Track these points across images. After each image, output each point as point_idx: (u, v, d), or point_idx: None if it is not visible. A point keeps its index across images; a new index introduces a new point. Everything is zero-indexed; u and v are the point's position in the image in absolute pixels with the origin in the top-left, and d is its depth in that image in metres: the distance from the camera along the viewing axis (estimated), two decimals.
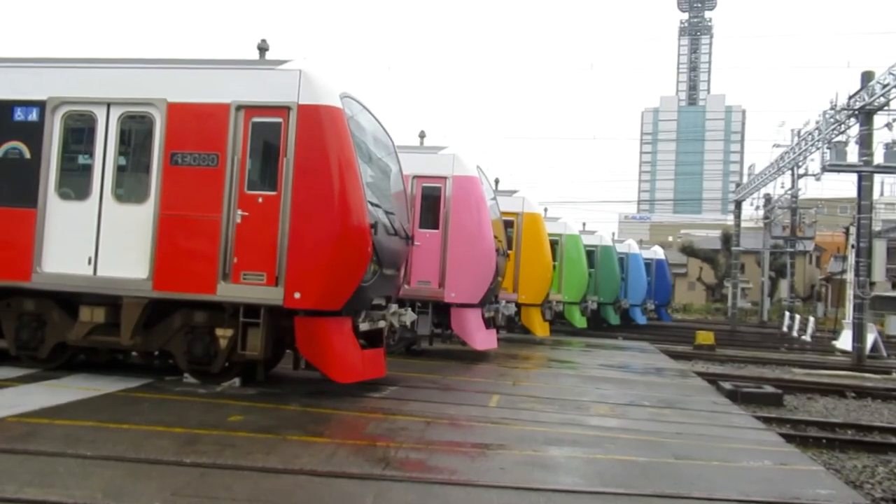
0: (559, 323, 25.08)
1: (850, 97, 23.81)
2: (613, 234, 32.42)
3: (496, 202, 15.94)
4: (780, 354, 24.49)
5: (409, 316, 10.89)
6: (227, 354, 9.21)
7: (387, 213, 9.84)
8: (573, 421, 8.78)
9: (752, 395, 13.14)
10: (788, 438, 9.40)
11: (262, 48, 9.59)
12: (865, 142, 22.74)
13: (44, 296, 9.65)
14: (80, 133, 9.81)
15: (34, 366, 9.86)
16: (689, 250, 62.27)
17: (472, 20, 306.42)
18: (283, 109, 8.97)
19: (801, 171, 33.03)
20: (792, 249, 43.06)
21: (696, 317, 53.62)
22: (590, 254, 26.20)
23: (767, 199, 40.42)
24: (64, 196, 9.64)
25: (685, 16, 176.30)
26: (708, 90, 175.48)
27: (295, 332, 8.96)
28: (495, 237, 14.41)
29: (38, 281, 9.44)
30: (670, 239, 78.28)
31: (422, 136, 14.53)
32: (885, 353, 24.53)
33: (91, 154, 9.62)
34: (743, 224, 42.34)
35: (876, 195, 31.22)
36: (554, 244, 21.50)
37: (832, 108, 25.62)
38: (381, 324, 10.04)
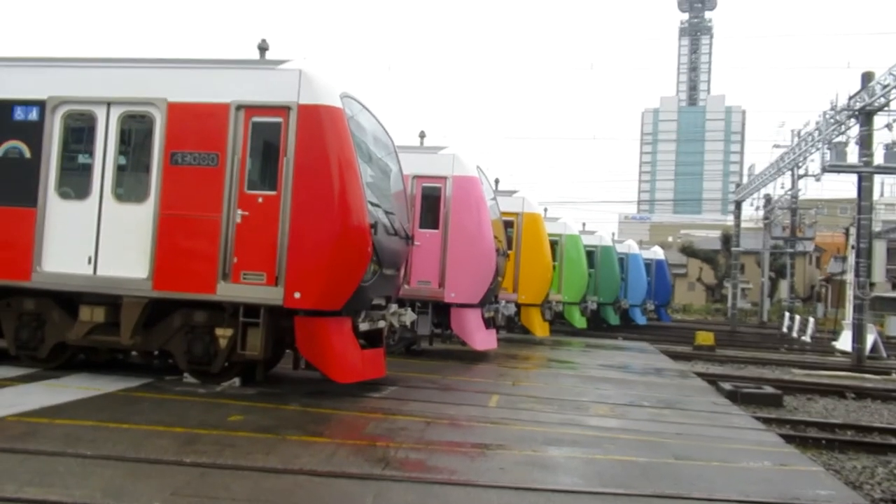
0: (559, 323, 25.08)
1: (851, 98, 23.81)
2: (613, 234, 32.41)
3: (496, 202, 15.94)
4: (780, 355, 24.49)
5: (408, 316, 10.89)
6: (227, 354, 9.21)
7: (387, 213, 9.84)
8: (573, 421, 8.78)
9: (752, 395, 13.14)
10: (788, 439, 9.39)
11: (263, 48, 9.59)
12: (865, 142, 22.74)
13: (44, 295, 9.66)
14: (80, 132, 9.81)
15: (34, 365, 9.86)
16: (688, 251, 62.29)
17: (472, 20, 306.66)
18: (283, 109, 8.97)
19: (801, 171, 33.07)
20: (792, 250, 43.07)
21: (696, 317, 53.63)
22: (590, 254, 26.20)
23: (767, 199, 40.44)
24: (64, 195, 9.64)
25: (685, 16, 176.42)
26: (708, 90, 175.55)
27: (295, 331, 8.96)
28: (495, 237, 14.41)
29: (37, 280, 9.44)
30: (670, 239, 78.30)
31: (422, 136, 14.53)
32: (884, 354, 24.53)
33: (91, 153, 9.63)
34: (743, 224, 42.37)
35: (876, 196, 31.22)
36: (554, 244, 21.50)
37: (832, 109, 25.63)
38: (381, 324, 10.04)
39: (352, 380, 9.16)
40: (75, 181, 9.68)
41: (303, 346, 9.00)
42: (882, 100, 22.12)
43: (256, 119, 9.12)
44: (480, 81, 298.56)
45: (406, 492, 5.50)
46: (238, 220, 8.99)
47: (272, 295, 8.77)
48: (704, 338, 24.37)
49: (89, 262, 9.35)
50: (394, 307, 10.49)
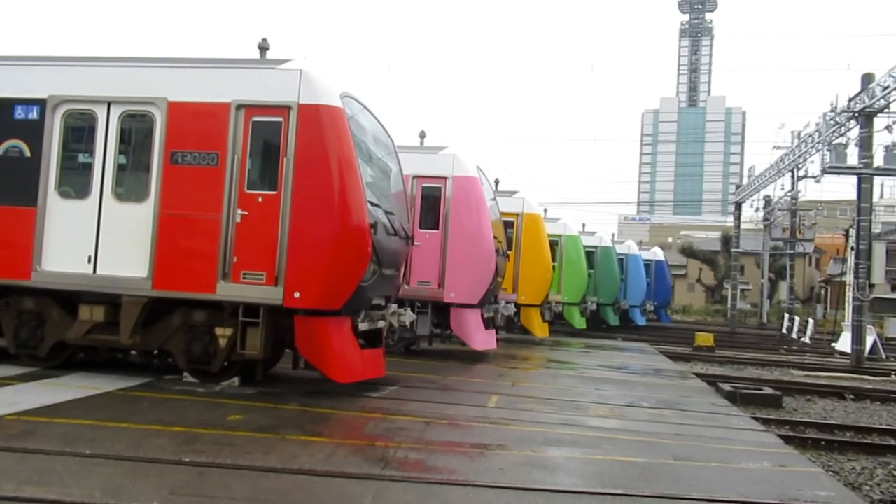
0: (558, 324, 25.09)
1: (850, 99, 23.82)
2: (613, 235, 32.42)
3: (496, 203, 15.94)
4: (780, 356, 24.50)
5: (408, 316, 10.90)
6: (227, 354, 9.21)
7: (387, 213, 9.84)
8: (572, 421, 8.78)
9: (752, 396, 13.15)
10: (787, 440, 9.41)
11: (263, 47, 9.59)
12: (865, 144, 22.76)
13: (43, 294, 9.65)
14: (80, 131, 9.81)
15: (33, 364, 9.86)
16: (688, 252, 62.29)
17: (472, 20, 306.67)
18: (283, 109, 8.98)
19: (801, 172, 33.06)
20: (791, 251, 43.09)
21: (696, 318, 53.64)
22: (589, 255, 26.20)
23: (767, 200, 40.43)
24: (64, 195, 9.64)
25: (686, 17, 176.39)
26: (708, 92, 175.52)
27: (294, 331, 8.96)
28: (495, 238, 14.41)
29: (37, 279, 9.44)
30: (670, 240, 78.27)
31: (422, 136, 14.53)
32: (884, 356, 24.56)
33: (91, 153, 9.63)
34: (743, 226, 42.33)
35: (876, 197, 31.30)
36: (554, 245, 21.50)
37: (832, 111, 25.63)
38: (381, 324, 10.04)
39: (351, 379, 9.16)
40: (75, 180, 9.68)
41: (302, 346, 9.00)
42: (882, 101, 22.13)
43: (257, 118, 9.12)
44: (480, 82, 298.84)
45: (405, 492, 5.50)
46: (238, 219, 8.99)
47: (272, 294, 8.77)
48: (704, 339, 24.39)
49: (89, 261, 9.35)
50: (393, 307, 10.49)
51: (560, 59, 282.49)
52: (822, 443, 10.17)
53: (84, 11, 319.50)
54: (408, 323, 11.14)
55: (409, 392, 10.09)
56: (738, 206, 41.68)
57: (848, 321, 24.47)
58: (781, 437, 9.45)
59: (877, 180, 30.17)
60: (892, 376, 19.67)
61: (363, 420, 8.12)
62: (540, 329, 20.22)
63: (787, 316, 37.81)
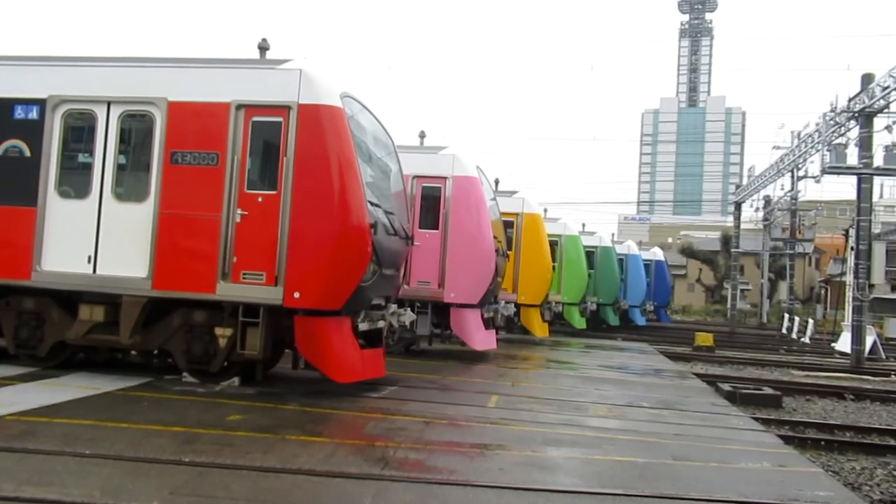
0: (558, 324, 25.09)
1: (850, 99, 23.82)
2: (613, 235, 32.41)
3: (496, 203, 15.94)
4: (779, 356, 24.51)
5: (408, 316, 10.90)
6: (226, 354, 9.21)
7: (386, 212, 9.84)
8: (572, 422, 8.78)
9: (751, 396, 13.15)
10: (787, 440, 9.42)
11: (263, 47, 9.59)
12: (865, 144, 22.76)
13: (43, 294, 9.65)
14: (80, 131, 9.81)
15: (33, 364, 9.86)
16: (688, 252, 62.28)
17: (472, 20, 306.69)
18: (283, 109, 8.98)
19: (801, 173, 33.07)
20: (791, 251, 43.08)
21: (696, 318, 53.64)
22: (589, 255, 26.20)
23: (767, 200, 40.44)
24: (64, 194, 9.64)
25: (686, 17, 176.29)
26: (708, 92, 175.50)
27: (294, 331, 8.96)
28: (495, 238, 14.41)
29: (37, 279, 9.44)
30: (670, 240, 78.25)
31: (422, 136, 14.53)
32: (883, 356, 24.56)
33: (91, 152, 9.63)
34: (742, 226, 42.33)
35: (875, 197, 31.31)
36: (553, 245, 21.50)
37: (832, 111, 25.63)
38: (381, 324, 10.04)
39: (351, 379, 9.16)
40: (75, 180, 9.68)
41: (302, 346, 9.00)
42: (882, 102, 22.13)
43: (256, 118, 9.12)
44: (481, 82, 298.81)
45: (405, 492, 5.50)
46: (238, 219, 8.99)
47: (272, 294, 8.77)
48: (704, 339, 24.39)
49: (89, 261, 9.35)
50: (393, 307, 10.49)
51: (560, 59, 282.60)
52: (822, 443, 10.17)
53: (84, 11, 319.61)
54: (408, 323, 11.15)
55: (409, 392, 10.09)
56: (738, 206, 41.69)
57: (848, 321, 24.48)
58: (781, 437, 9.46)
59: (876, 180, 30.17)
60: (892, 376, 19.67)
61: (363, 420, 8.12)
62: (540, 329, 20.22)
63: (786, 316, 37.82)
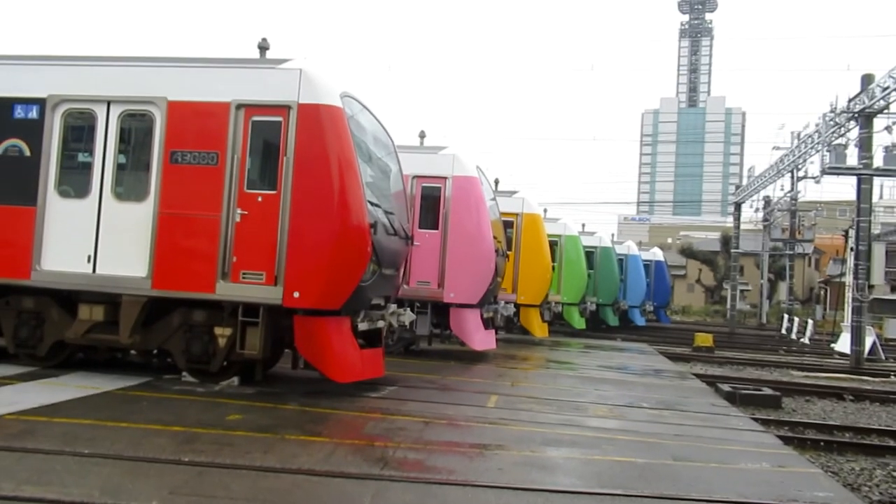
0: (558, 324, 25.09)
1: (850, 100, 23.82)
2: (613, 235, 32.42)
3: (496, 203, 15.94)
4: (779, 357, 24.52)
5: (408, 316, 10.90)
6: (226, 353, 9.21)
7: (386, 212, 9.84)
8: (571, 422, 8.78)
9: (751, 397, 13.15)
10: (786, 440, 9.42)
11: (263, 47, 9.59)
12: (865, 145, 22.76)
13: (43, 294, 9.65)
14: (80, 131, 9.81)
15: (33, 364, 9.85)
16: (688, 252, 62.30)
17: (473, 20, 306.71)
18: (283, 108, 8.98)
19: (801, 173, 33.07)
20: (791, 252, 43.08)
21: (695, 319, 53.66)
22: (589, 255, 26.20)
23: (767, 201, 40.44)
24: (64, 194, 9.64)
25: (686, 18, 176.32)
26: (708, 92, 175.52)
27: (294, 331, 8.95)
28: (495, 238, 14.42)
29: (37, 279, 9.43)
30: (669, 241, 78.30)
31: (422, 136, 14.53)
32: (883, 357, 24.57)
33: (91, 152, 9.63)
34: (742, 226, 42.32)
35: (875, 198, 31.27)
36: (553, 245, 21.50)
37: (832, 111, 25.62)
38: (380, 324, 10.04)
39: (350, 379, 9.16)
40: (75, 180, 9.68)
41: (302, 346, 9.00)
42: (882, 102, 22.13)
43: (256, 118, 9.12)
44: (481, 82, 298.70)
45: (404, 492, 5.50)
46: (237, 219, 8.99)
47: (271, 294, 8.77)
48: (703, 339, 24.40)
49: (89, 260, 9.35)
50: (393, 307, 10.49)
51: (560, 59, 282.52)
52: (822, 443, 10.17)
53: (84, 11, 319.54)
54: (407, 323, 11.14)
55: (409, 392, 10.09)
56: (738, 206, 41.69)
57: (847, 322, 24.48)
58: (780, 437, 9.46)
59: (876, 181, 30.15)
60: (892, 377, 19.68)
61: (362, 420, 8.12)
62: (539, 329, 20.22)
63: (786, 317, 37.82)
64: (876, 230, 35.68)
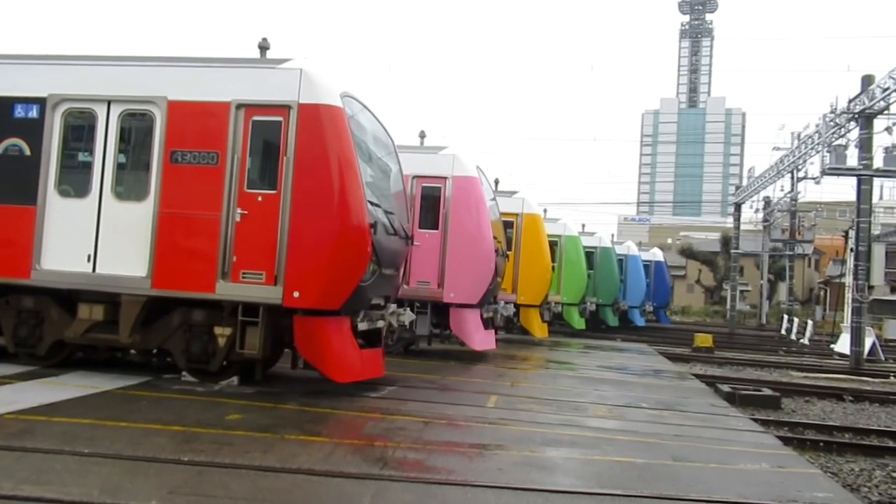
0: (558, 324, 25.08)
1: (850, 101, 23.81)
2: (613, 235, 32.41)
3: (496, 203, 15.94)
4: (779, 357, 24.51)
5: (407, 316, 10.90)
6: (226, 353, 9.21)
7: (386, 212, 9.84)
8: (571, 422, 8.78)
9: (750, 397, 13.15)
10: (786, 441, 9.42)
11: (263, 47, 9.58)
12: (865, 145, 22.76)
13: (42, 293, 9.65)
14: (80, 130, 9.81)
15: (32, 363, 9.85)
16: (688, 252, 62.31)
17: (473, 20, 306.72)
18: (283, 108, 8.98)
19: (801, 174, 33.04)
20: (791, 252, 43.10)
21: (695, 319, 53.66)
22: (589, 255, 26.20)
23: (767, 201, 40.43)
24: (64, 193, 9.63)
25: (686, 18, 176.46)
26: (708, 92, 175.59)
27: (294, 331, 8.95)
28: (495, 238, 14.42)
29: (37, 278, 9.43)
30: (669, 241, 78.33)
31: (422, 136, 14.53)
32: (882, 357, 24.57)
33: (91, 151, 9.62)
34: (742, 227, 42.33)
35: (875, 199, 31.29)
36: (553, 245, 21.50)
37: (832, 112, 25.62)
38: (380, 323, 10.04)
39: (350, 379, 9.16)
40: (75, 179, 9.68)
41: (301, 346, 9.00)
42: (882, 103, 22.13)
43: (257, 118, 9.12)
44: (481, 82, 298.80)
45: (404, 491, 5.49)
46: (237, 218, 8.99)
47: (271, 294, 8.77)
48: (703, 340, 24.40)
49: (88, 260, 9.35)
50: (393, 307, 10.49)
51: (560, 59, 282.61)
52: (821, 444, 10.17)
53: (84, 11, 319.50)
54: (407, 323, 11.14)
55: (408, 392, 10.09)
56: (738, 207, 41.70)
57: (847, 323, 24.47)
58: (780, 438, 9.46)
59: (876, 182, 30.21)
60: (891, 378, 19.68)
61: (362, 420, 8.12)
62: (539, 329, 20.22)
63: (786, 317, 37.82)
64: (876, 231, 35.67)
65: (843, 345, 24.73)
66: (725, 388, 13.60)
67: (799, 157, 31.15)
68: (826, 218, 46.65)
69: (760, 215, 42.17)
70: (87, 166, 9.60)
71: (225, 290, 8.91)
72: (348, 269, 8.85)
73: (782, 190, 36.87)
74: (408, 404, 9.12)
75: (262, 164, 9.27)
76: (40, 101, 9.64)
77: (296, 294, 8.68)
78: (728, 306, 41.21)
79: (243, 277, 8.91)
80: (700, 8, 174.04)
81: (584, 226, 27.68)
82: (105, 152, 9.53)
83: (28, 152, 9.64)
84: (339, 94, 9.13)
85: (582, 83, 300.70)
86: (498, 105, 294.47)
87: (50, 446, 5.95)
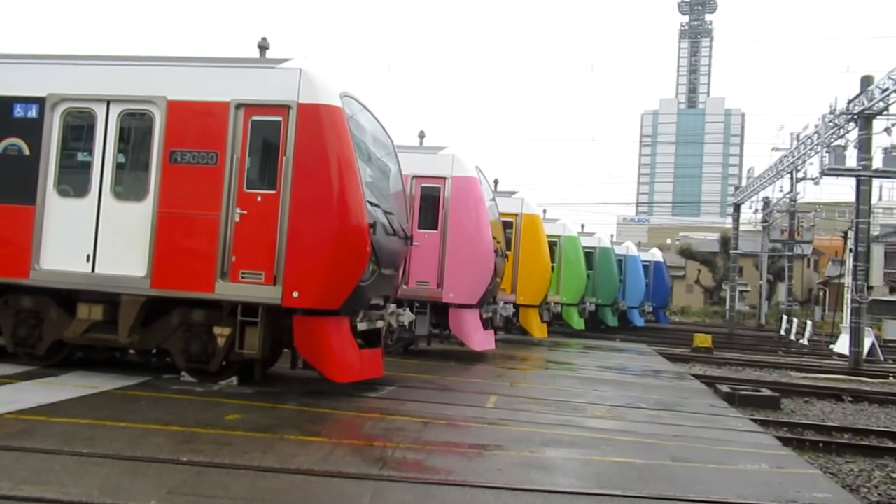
0: (557, 324, 25.09)
1: (850, 101, 23.83)
2: (612, 235, 32.41)
3: (495, 203, 15.94)
4: (778, 358, 24.52)
5: (407, 316, 10.89)
6: (225, 353, 9.20)
7: (386, 212, 9.84)
8: (570, 422, 8.78)
9: (750, 398, 13.14)
10: (785, 441, 9.42)
11: (263, 47, 9.58)
12: (864, 146, 22.77)
13: (42, 293, 9.64)
14: (79, 130, 9.80)
15: (32, 363, 9.84)
16: (687, 253, 62.35)
17: (473, 21, 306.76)
18: (282, 108, 8.97)
19: (800, 174, 33.13)
20: (790, 253, 43.12)
21: (694, 319, 53.68)
22: (588, 255, 26.21)
23: (766, 202, 40.48)
24: (63, 193, 9.63)
25: (685, 19, 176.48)
26: (707, 93, 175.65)
27: (293, 331, 8.95)
28: (494, 238, 14.42)
29: (36, 278, 9.43)
30: (669, 241, 78.39)
31: (421, 136, 14.53)
32: (882, 358, 24.58)
33: (90, 151, 9.62)
34: (741, 227, 42.31)
35: (874, 199, 31.33)
36: (553, 245, 21.50)
37: (831, 113, 25.62)
38: (380, 324, 10.03)
39: (349, 379, 9.15)
40: (74, 179, 9.67)
41: (301, 346, 8.99)
42: (881, 104, 22.14)
43: (256, 118, 9.12)
44: (480, 82, 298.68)
45: (403, 492, 5.49)
46: (237, 218, 8.99)
47: (270, 294, 8.76)
48: (702, 340, 24.40)
49: (88, 259, 9.34)
50: (392, 307, 10.48)
51: (560, 59, 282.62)
52: (820, 444, 10.17)
53: (84, 11, 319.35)
54: (406, 323, 11.14)
55: (408, 392, 10.09)
56: (737, 207, 41.69)
57: (846, 323, 24.48)
58: (779, 438, 9.46)
59: (875, 182, 30.18)
60: (890, 378, 19.68)
61: (361, 420, 8.12)
62: (538, 330, 20.22)
63: (785, 318, 37.84)
64: (875, 231, 35.74)
65: (842, 345, 24.74)
66: (725, 388, 13.60)
67: (798, 158, 31.17)
68: (825, 218, 46.72)
69: (760, 216, 42.20)
70: (87, 166, 9.59)
71: (224, 290, 8.91)
72: (348, 269, 8.85)
73: (781, 190, 36.98)
74: (407, 404, 9.12)
75: (262, 164, 9.27)
76: (39, 101, 9.63)
77: (295, 294, 8.68)
78: (727, 307, 41.21)
79: (242, 277, 8.90)
80: (699, 8, 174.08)
81: (583, 226, 27.70)
82: (104, 152, 9.52)
83: (27, 152, 9.64)
84: (339, 94, 9.13)
85: (581, 83, 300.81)
86: (498, 105, 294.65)
87: (49, 446, 5.94)
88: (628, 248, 32.76)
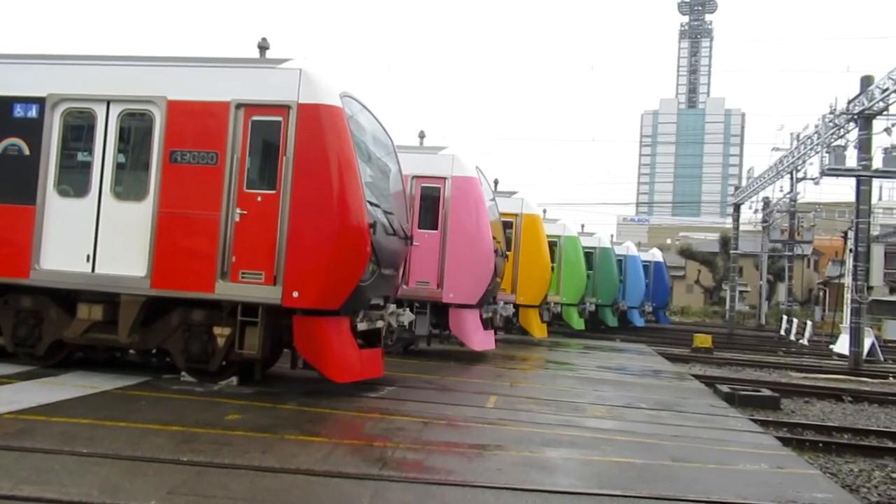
0: (557, 324, 25.09)
1: (850, 101, 23.83)
2: (612, 236, 32.41)
3: (495, 203, 15.94)
4: (778, 358, 24.51)
5: (407, 316, 10.89)
6: (225, 353, 9.20)
7: (386, 212, 9.84)
8: (570, 422, 8.78)
9: (750, 398, 13.14)
10: (785, 442, 9.42)
11: (263, 47, 9.58)
12: (864, 146, 22.77)
13: (42, 293, 9.64)
14: (79, 130, 9.80)
15: (31, 363, 9.84)
16: (687, 253, 62.35)
17: (472, 20, 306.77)
18: (282, 108, 8.97)
19: (800, 174, 33.11)
20: (790, 253, 43.10)
21: (694, 319, 53.67)
22: (588, 255, 26.20)
23: (766, 202, 40.47)
24: (63, 193, 9.63)
25: (685, 19, 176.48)
26: (708, 93, 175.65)
27: (293, 331, 8.95)
28: (494, 238, 14.42)
29: (36, 278, 9.43)
30: (669, 241, 78.39)
31: (421, 136, 14.53)
32: (882, 358, 24.57)
33: (90, 151, 9.62)
34: (741, 227, 42.31)
35: (874, 199, 31.34)
36: (552, 246, 21.50)
37: (831, 113, 25.62)
38: (380, 324, 10.03)
39: (349, 379, 9.15)
40: (74, 179, 9.67)
41: (301, 346, 8.99)
42: (881, 104, 22.13)
43: (256, 118, 9.12)
44: (480, 82, 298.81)
45: (403, 492, 5.49)
46: (237, 218, 8.99)
47: (270, 294, 8.76)
48: (702, 340, 24.40)
49: (88, 259, 9.34)
50: (392, 307, 10.48)
51: (560, 59, 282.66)
52: (820, 445, 10.17)
53: (84, 11, 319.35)
54: (406, 323, 11.14)
55: (408, 392, 10.09)
56: (737, 207, 41.69)
57: (846, 323, 24.47)
58: (779, 438, 9.46)
59: (875, 182, 30.20)
60: (890, 378, 19.68)
61: (361, 420, 8.12)
62: (538, 330, 20.22)
63: (785, 318, 37.82)
64: (875, 232, 35.73)
65: (842, 345, 24.73)
66: (724, 388, 13.59)
67: (798, 158, 31.16)
68: (825, 218, 46.70)
69: (760, 216, 42.20)
70: (87, 166, 9.59)
71: (224, 290, 8.91)
72: (347, 269, 8.85)
73: (781, 190, 36.97)
74: (407, 404, 9.12)
75: (262, 164, 9.27)
76: (39, 101, 9.63)
77: (295, 294, 8.68)
78: (727, 307, 41.21)
79: (242, 277, 8.90)
80: (699, 8, 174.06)
81: (583, 226, 27.70)
82: (104, 152, 9.53)
83: (27, 152, 9.64)
84: (339, 94, 9.13)
85: (582, 83, 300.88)
86: (497, 105, 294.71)
87: (49, 446, 5.94)
88: (628, 248, 32.75)
